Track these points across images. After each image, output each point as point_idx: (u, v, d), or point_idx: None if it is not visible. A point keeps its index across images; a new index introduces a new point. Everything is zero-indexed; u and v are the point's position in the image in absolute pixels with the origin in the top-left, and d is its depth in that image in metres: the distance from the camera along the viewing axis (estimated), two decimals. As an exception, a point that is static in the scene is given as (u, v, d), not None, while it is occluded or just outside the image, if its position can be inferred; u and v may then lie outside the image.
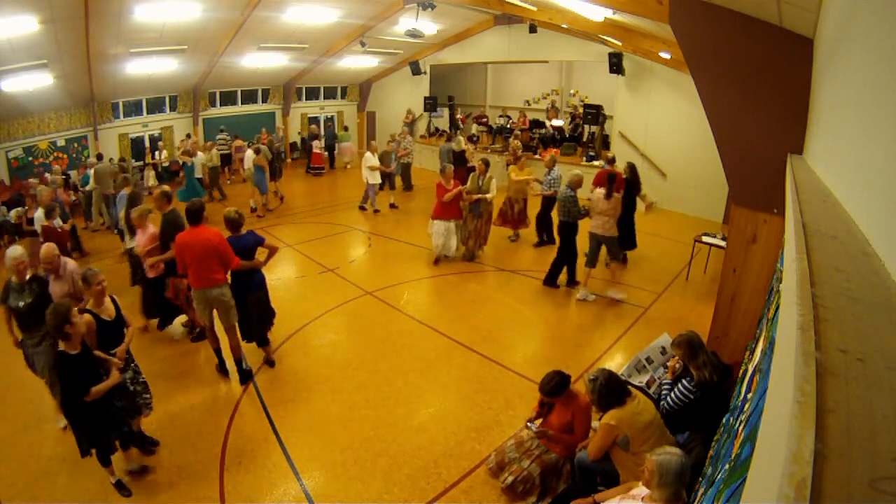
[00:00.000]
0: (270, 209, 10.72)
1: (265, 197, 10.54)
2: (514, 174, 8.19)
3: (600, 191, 6.04)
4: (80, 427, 3.21)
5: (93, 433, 3.22)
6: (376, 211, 10.42)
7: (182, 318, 5.63)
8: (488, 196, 7.27)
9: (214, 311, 4.59)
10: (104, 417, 3.22)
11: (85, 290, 3.63)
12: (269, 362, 4.94)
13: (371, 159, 10.05)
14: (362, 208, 10.56)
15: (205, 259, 4.31)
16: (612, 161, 8.04)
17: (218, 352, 4.82)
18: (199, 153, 10.77)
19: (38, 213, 6.66)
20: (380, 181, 10.46)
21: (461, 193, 7.22)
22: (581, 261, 6.53)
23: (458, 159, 10.31)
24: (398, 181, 12.17)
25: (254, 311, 4.76)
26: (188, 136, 13.56)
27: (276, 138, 14.08)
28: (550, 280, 6.71)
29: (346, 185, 13.56)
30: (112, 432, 3.30)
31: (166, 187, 5.58)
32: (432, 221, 7.38)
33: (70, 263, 4.15)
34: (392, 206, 10.71)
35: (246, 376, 4.71)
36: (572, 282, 6.71)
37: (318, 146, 14.62)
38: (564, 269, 6.73)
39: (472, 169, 8.09)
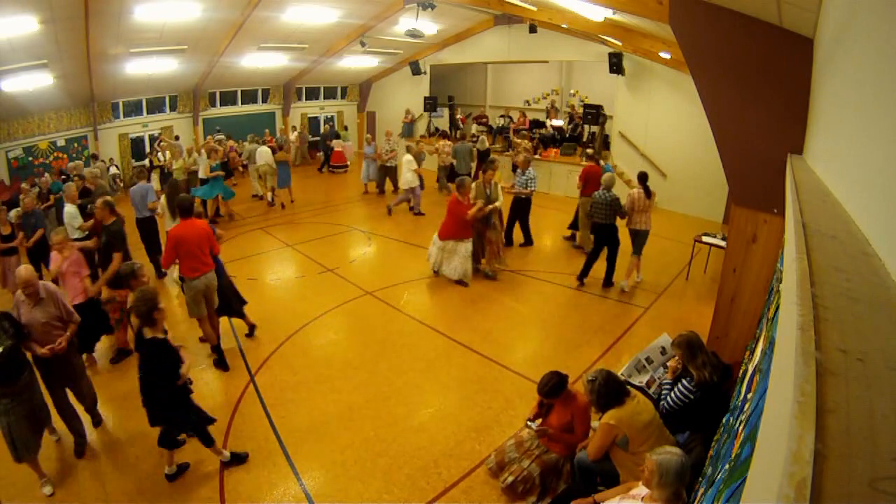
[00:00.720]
0: (281, 207, 10.77)
1: (287, 190, 10.79)
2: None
3: (638, 191, 6.44)
4: (169, 414, 3.32)
5: (181, 419, 3.36)
6: (420, 213, 10.19)
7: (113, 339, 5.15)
8: (497, 204, 6.97)
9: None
10: (184, 400, 3.38)
11: (134, 285, 3.70)
12: (251, 327, 5.49)
13: (412, 162, 9.88)
14: (419, 213, 10.19)
15: (199, 247, 4.62)
16: (593, 157, 8.39)
17: (218, 349, 4.89)
18: (203, 153, 10.71)
19: (70, 209, 6.14)
20: (418, 183, 10.19)
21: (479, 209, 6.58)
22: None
23: (483, 158, 10.36)
24: (372, 185, 11.95)
25: (230, 289, 5.32)
26: (177, 137, 13.07)
27: (280, 140, 14.06)
28: (607, 280, 6.81)
29: (347, 184, 13.55)
30: (192, 415, 3.44)
31: (109, 198, 5.28)
32: (446, 242, 6.72)
33: (49, 285, 3.68)
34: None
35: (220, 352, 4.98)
36: (609, 282, 6.80)
37: (338, 144, 14.63)
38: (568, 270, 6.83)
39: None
